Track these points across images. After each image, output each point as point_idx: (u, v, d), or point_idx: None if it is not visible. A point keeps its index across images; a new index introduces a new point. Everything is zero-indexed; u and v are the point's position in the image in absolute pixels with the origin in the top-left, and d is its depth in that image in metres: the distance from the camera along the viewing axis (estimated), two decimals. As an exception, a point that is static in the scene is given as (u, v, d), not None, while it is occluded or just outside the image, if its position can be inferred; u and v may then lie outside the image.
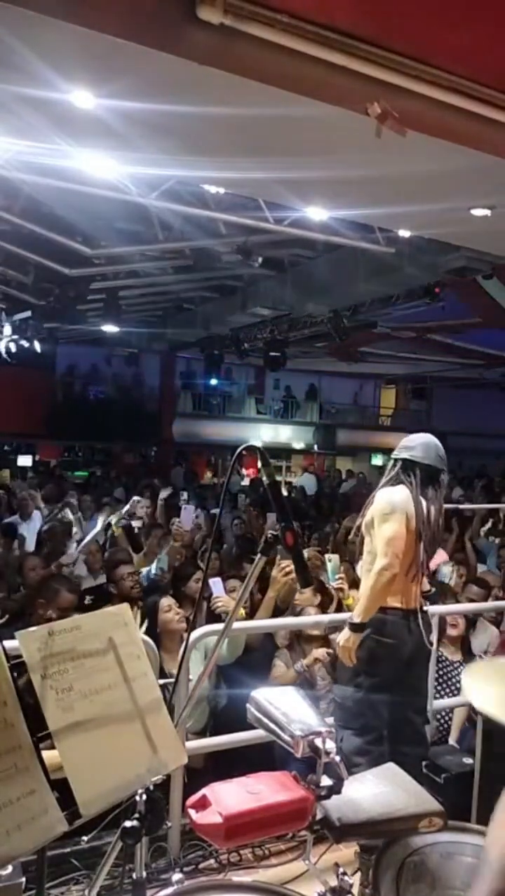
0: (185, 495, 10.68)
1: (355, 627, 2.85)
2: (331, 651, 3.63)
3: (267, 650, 3.80)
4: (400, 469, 3.05)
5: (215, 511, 8.65)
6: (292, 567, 3.64)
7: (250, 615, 3.72)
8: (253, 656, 3.68)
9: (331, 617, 3.83)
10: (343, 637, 2.88)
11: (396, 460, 3.10)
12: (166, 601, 3.66)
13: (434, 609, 3.49)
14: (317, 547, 5.98)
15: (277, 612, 3.87)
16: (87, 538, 5.97)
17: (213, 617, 3.64)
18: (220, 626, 3.05)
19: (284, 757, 2.89)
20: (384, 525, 2.90)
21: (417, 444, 3.08)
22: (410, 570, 2.91)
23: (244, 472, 14.93)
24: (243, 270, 10.24)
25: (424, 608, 3.03)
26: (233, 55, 3.11)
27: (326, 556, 4.16)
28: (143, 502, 7.91)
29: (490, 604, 4.63)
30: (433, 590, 3.45)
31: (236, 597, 3.24)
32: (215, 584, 3.65)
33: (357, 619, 2.84)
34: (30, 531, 7.46)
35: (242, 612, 3.54)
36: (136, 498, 7.23)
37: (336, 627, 3.93)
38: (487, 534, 8.11)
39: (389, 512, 2.91)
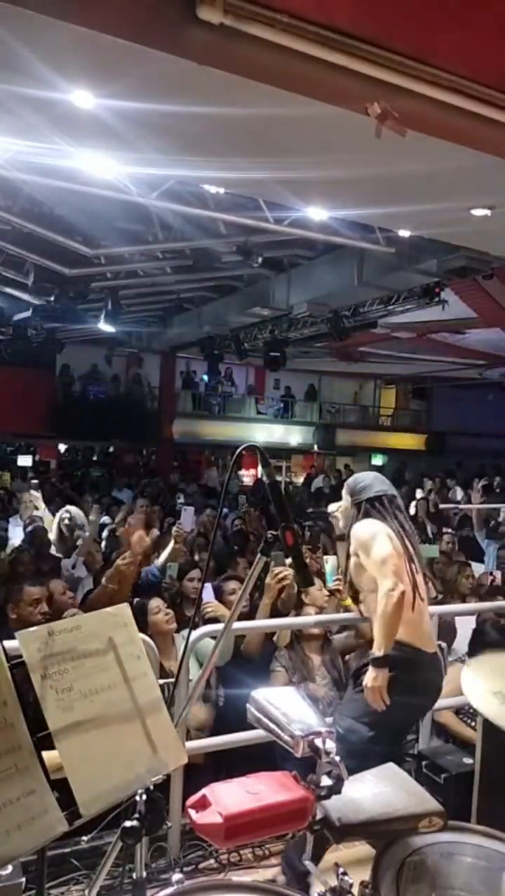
0: (181, 497, 10.70)
1: (379, 662, 2.69)
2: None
3: (266, 652, 3.79)
4: (364, 510, 3.02)
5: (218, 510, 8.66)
6: (287, 574, 3.70)
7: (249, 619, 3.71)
8: (252, 659, 3.67)
9: (330, 617, 3.84)
10: (370, 678, 2.71)
11: (357, 505, 3.06)
12: (155, 603, 3.65)
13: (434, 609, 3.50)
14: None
15: (277, 616, 3.85)
16: (84, 539, 5.97)
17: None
18: (219, 627, 3.05)
19: (284, 756, 2.88)
20: (372, 550, 2.85)
21: (369, 482, 3.10)
22: (413, 596, 2.84)
23: (242, 472, 14.93)
24: (243, 270, 10.24)
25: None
26: (233, 55, 3.10)
27: (325, 556, 4.16)
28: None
29: (490, 604, 4.62)
30: (439, 596, 3.47)
31: (233, 599, 3.25)
32: (206, 590, 3.66)
33: (379, 653, 2.70)
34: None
35: (226, 611, 3.55)
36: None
37: (345, 627, 3.94)
38: (489, 534, 8.10)
39: (371, 536, 2.88)
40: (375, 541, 2.86)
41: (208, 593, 3.65)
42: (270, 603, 3.68)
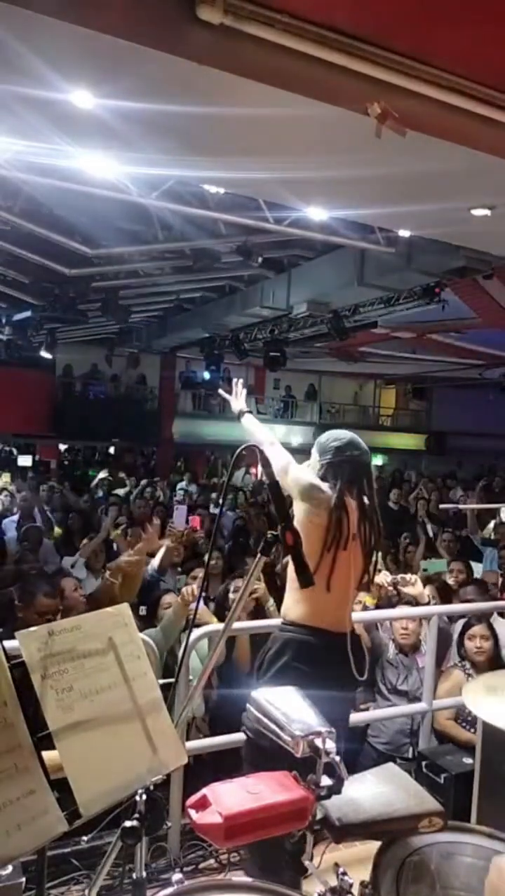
0: (179, 495, 10.75)
1: None
2: None
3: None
4: (322, 472, 2.69)
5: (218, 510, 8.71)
6: (258, 587, 3.70)
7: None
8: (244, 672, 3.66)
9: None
10: None
11: (321, 466, 2.70)
12: (168, 598, 3.74)
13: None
14: None
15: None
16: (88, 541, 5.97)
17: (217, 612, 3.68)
18: (219, 627, 3.05)
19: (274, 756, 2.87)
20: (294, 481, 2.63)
21: (341, 443, 2.70)
22: (329, 574, 2.52)
23: (252, 471, 14.91)
24: (243, 270, 10.25)
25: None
26: (233, 55, 3.11)
27: None
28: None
29: (491, 604, 4.62)
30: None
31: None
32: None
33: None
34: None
35: (214, 619, 3.56)
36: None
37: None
38: (485, 542, 8.09)
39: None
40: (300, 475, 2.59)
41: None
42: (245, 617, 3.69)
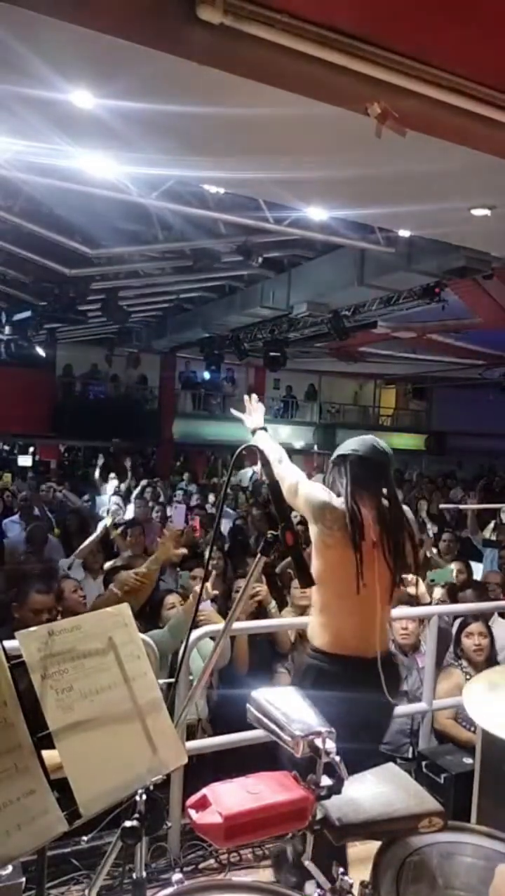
0: (178, 495, 10.77)
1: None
2: None
3: (265, 658, 3.80)
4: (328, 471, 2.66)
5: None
6: (260, 589, 3.69)
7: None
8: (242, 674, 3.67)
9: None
10: None
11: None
12: (171, 598, 3.75)
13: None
14: None
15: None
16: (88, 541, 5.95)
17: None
18: (219, 627, 3.05)
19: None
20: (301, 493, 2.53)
21: (347, 444, 2.62)
22: (356, 583, 2.38)
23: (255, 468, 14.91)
24: (243, 270, 10.25)
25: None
26: (233, 55, 3.10)
27: None
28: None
29: (492, 604, 4.62)
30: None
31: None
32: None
33: None
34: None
35: (220, 618, 3.56)
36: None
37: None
38: (486, 543, 8.09)
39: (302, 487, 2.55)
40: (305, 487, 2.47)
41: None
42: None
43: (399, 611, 4.00)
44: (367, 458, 2.49)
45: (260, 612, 3.86)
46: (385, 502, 2.47)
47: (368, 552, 2.38)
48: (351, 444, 2.56)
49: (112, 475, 11.12)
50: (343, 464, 2.50)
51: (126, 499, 9.54)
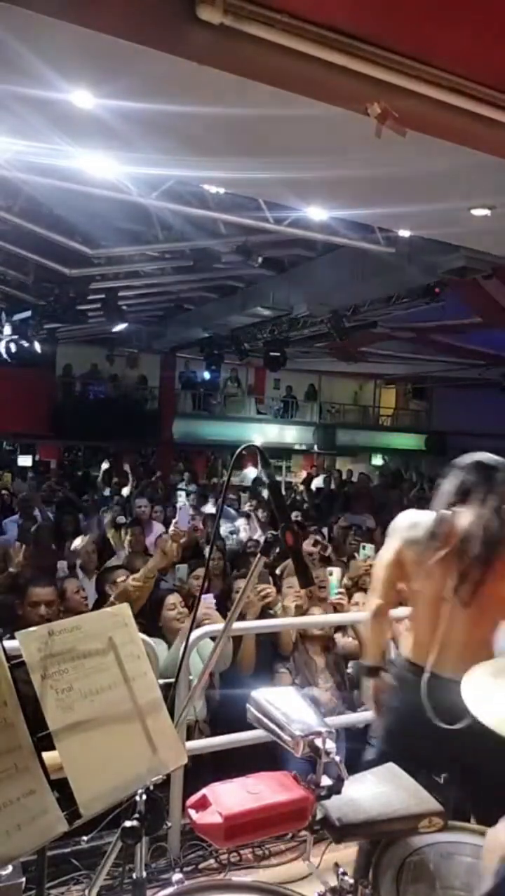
0: (182, 496, 10.73)
1: (364, 671, 2.48)
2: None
3: (266, 658, 3.79)
4: None
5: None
6: (269, 590, 3.69)
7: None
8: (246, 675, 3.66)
9: (332, 617, 3.84)
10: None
11: None
12: (172, 599, 3.73)
13: None
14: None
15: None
16: (80, 541, 5.94)
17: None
18: (219, 627, 3.05)
19: (285, 756, 2.88)
20: None
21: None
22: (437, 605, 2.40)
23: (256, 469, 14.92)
24: (243, 270, 10.24)
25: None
26: (233, 55, 3.11)
27: (328, 569, 4.12)
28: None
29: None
30: None
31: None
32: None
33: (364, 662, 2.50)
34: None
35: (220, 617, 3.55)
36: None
37: (340, 628, 3.94)
38: None
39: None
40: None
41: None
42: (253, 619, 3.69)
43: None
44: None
45: (263, 612, 3.87)
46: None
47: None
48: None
49: (115, 480, 11.15)
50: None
51: (126, 505, 9.52)
